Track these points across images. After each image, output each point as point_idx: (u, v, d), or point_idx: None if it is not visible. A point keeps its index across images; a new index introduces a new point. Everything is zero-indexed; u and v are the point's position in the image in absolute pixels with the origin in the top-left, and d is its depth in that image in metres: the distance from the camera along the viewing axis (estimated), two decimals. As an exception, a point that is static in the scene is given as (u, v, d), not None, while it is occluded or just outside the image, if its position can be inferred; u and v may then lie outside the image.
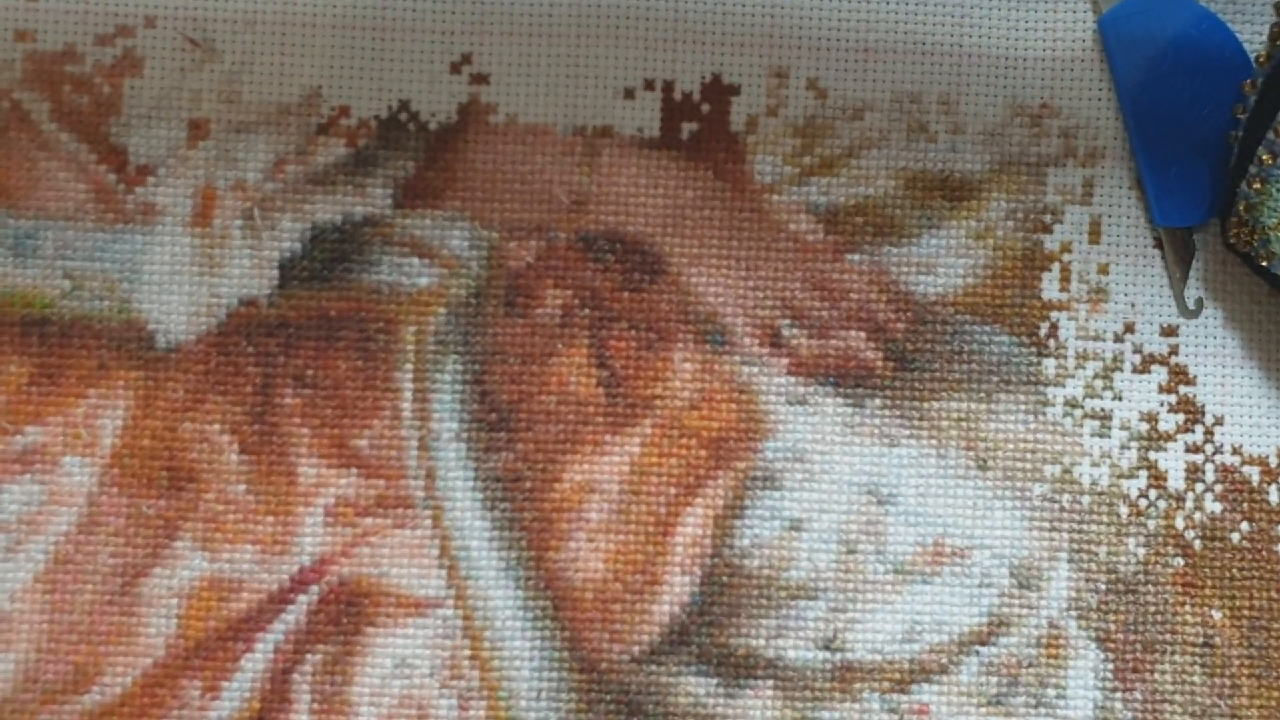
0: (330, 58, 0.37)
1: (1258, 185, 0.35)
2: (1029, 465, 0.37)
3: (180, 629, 0.36)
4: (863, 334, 0.37)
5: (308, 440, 0.36)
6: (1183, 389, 0.37)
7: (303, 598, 0.36)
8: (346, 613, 0.36)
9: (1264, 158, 0.34)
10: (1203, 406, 0.37)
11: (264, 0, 0.37)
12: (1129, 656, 0.36)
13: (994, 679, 0.36)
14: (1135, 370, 0.37)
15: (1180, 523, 0.37)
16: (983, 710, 0.36)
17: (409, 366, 0.37)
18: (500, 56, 0.37)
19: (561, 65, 0.37)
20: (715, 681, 0.36)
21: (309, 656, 0.36)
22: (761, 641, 0.36)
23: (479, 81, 0.37)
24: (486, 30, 0.37)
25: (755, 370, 0.37)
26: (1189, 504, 0.37)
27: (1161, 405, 0.37)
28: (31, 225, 0.37)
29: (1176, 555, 0.37)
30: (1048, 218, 0.38)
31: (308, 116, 0.37)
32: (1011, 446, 0.37)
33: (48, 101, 0.37)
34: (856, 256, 0.37)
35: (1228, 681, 0.36)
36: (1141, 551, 0.37)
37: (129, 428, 0.36)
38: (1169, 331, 0.38)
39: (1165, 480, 0.37)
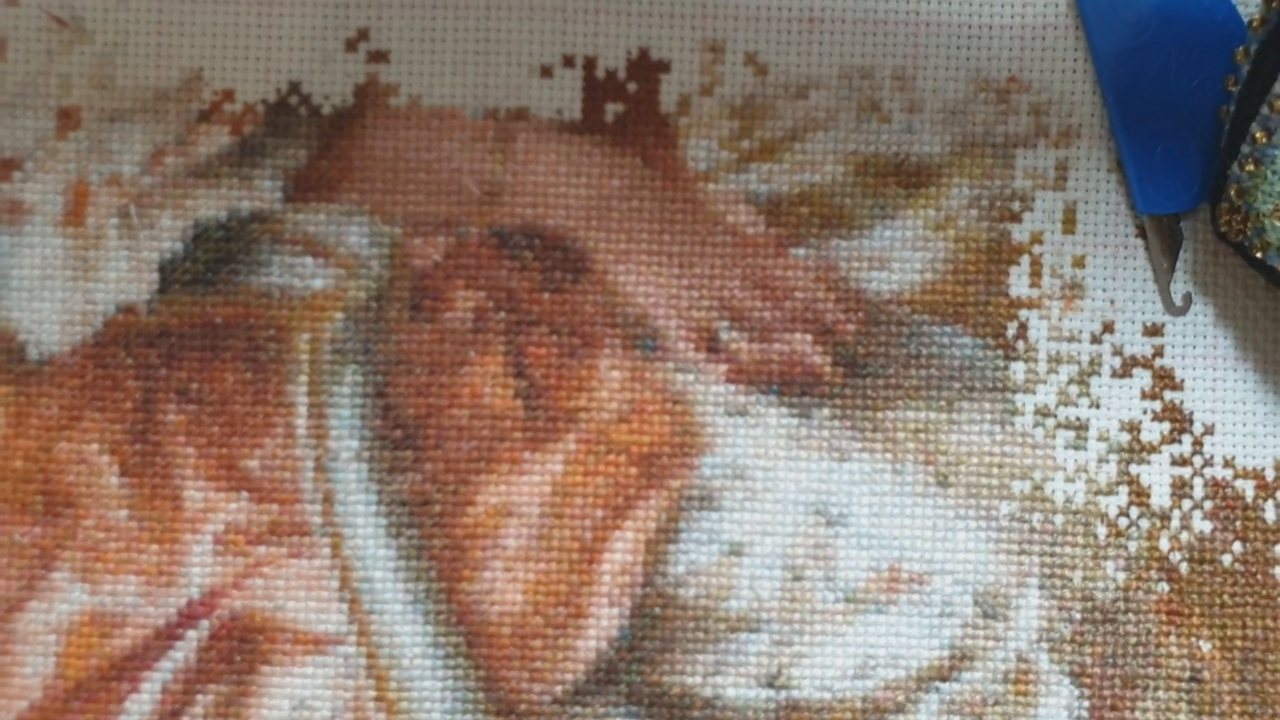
0: (212, 36, 0.35)
1: (1251, 167, 0.32)
2: (995, 481, 0.35)
3: (59, 668, 0.34)
4: (809, 337, 0.35)
5: (194, 461, 0.34)
6: (1168, 395, 0.35)
7: (192, 633, 0.34)
8: (240, 650, 0.34)
9: (1258, 135, 0.32)
10: (1191, 414, 0.35)
11: (138, -28, 0.35)
12: (1107, 693, 0.34)
13: (956, 719, 0.34)
14: (1115, 374, 0.35)
15: (1165, 544, 0.35)
16: None
17: (303, 379, 0.35)
18: (401, 31, 0.35)
19: (470, 40, 0.35)
20: None
21: (200, 698, 0.34)
22: (698, 679, 0.34)
23: (377, 60, 0.35)
24: (385, 2, 0.35)
25: (690, 379, 0.35)
26: (1175, 523, 0.35)
27: (1144, 413, 0.35)
28: None
29: (1160, 580, 0.35)
30: (1016, 205, 0.35)
31: (188, 102, 0.35)
32: (976, 460, 0.35)
33: None
34: (802, 251, 0.35)
35: (1218, 718, 0.34)
36: (1121, 576, 0.35)
37: None
38: (1153, 331, 0.35)
39: (1148, 497, 0.35)
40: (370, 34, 0.35)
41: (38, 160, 0.35)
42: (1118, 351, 0.35)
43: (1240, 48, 0.33)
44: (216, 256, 0.35)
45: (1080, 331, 0.35)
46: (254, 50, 0.35)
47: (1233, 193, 0.32)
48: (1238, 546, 0.34)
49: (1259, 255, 0.32)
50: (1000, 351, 0.35)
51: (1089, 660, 0.34)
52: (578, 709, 0.34)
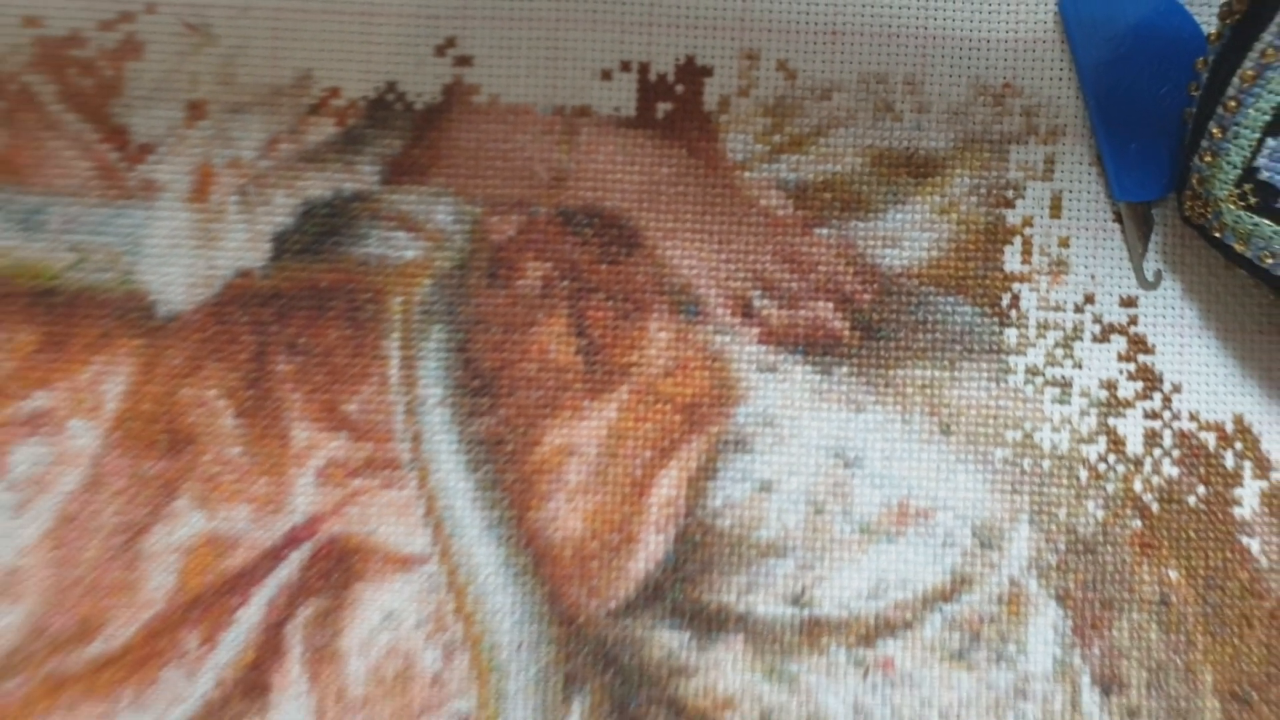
0: (321, 41, 0.38)
1: (1209, 158, 0.35)
2: (991, 430, 0.38)
3: (179, 583, 0.37)
4: (830, 305, 0.38)
5: (300, 405, 0.38)
6: (1141, 358, 0.38)
7: (295, 554, 0.37)
8: (337, 568, 0.37)
9: (1214, 132, 0.35)
10: (1161, 374, 0.38)
11: (259, -14, 0.39)
12: (1087, 614, 0.37)
13: (957, 634, 0.37)
14: (1095, 339, 0.38)
15: (1138, 486, 0.38)
16: (946, 664, 0.37)
17: (396, 335, 0.38)
18: (483, 39, 0.39)
19: (541, 48, 0.39)
20: (688, 635, 0.37)
21: (301, 610, 0.37)
22: (732, 597, 0.37)
23: (463, 63, 0.39)
24: (470, 14, 0.39)
25: (727, 339, 0.38)
26: (1147, 468, 0.38)
27: (1120, 373, 0.38)
28: (39, 201, 0.38)
29: (1134, 517, 0.38)
30: (1010, 193, 0.39)
31: (299, 97, 0.39)
32: (974, 412, 0.38)
33: (54, 84, 0.38)
34: (825, 231, 0.39)
35: (1183, 638, 0.37)
36: (1100, 513, 0.38)
37: (131, 393, 0.38)
38: (1128, 302, 0.39)
39: (1124, 445, 0.38)
40: (457, 41, 0.39)
41: (169, 145, 0.38)
42: (1097, 320, 0.38)
43: (1201, 59, 0.37)
44: (322, 230, 0.38)
45: (1065, 302, 0.38)
46: (357, 54, 0.39)
47: (1195, 181, 0.36)
48: (1201, 489, 0.38)
49: (1218, 235, 0.36)
50: (996, 319, 0.38)
51: (1072, 585, 0.37)
52: (628, 621, 0.37)
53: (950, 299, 0.38)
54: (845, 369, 0.38)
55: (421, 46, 0.39)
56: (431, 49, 0.39)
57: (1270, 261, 0.35)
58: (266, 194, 0.38)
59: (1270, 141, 0.34)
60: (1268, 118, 0.34)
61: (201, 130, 0.38)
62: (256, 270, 0.38)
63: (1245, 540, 0.38)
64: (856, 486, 0.38)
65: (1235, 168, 0.35)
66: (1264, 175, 0.35)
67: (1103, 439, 0.38)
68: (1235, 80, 0.35)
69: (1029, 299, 0.38)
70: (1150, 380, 0.38)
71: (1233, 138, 0.35)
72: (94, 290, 0.38)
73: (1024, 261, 0.38)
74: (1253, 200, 0.35)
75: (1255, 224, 0.35)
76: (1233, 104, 0.35)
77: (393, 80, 0.39)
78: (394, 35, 0.39)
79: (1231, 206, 0.35)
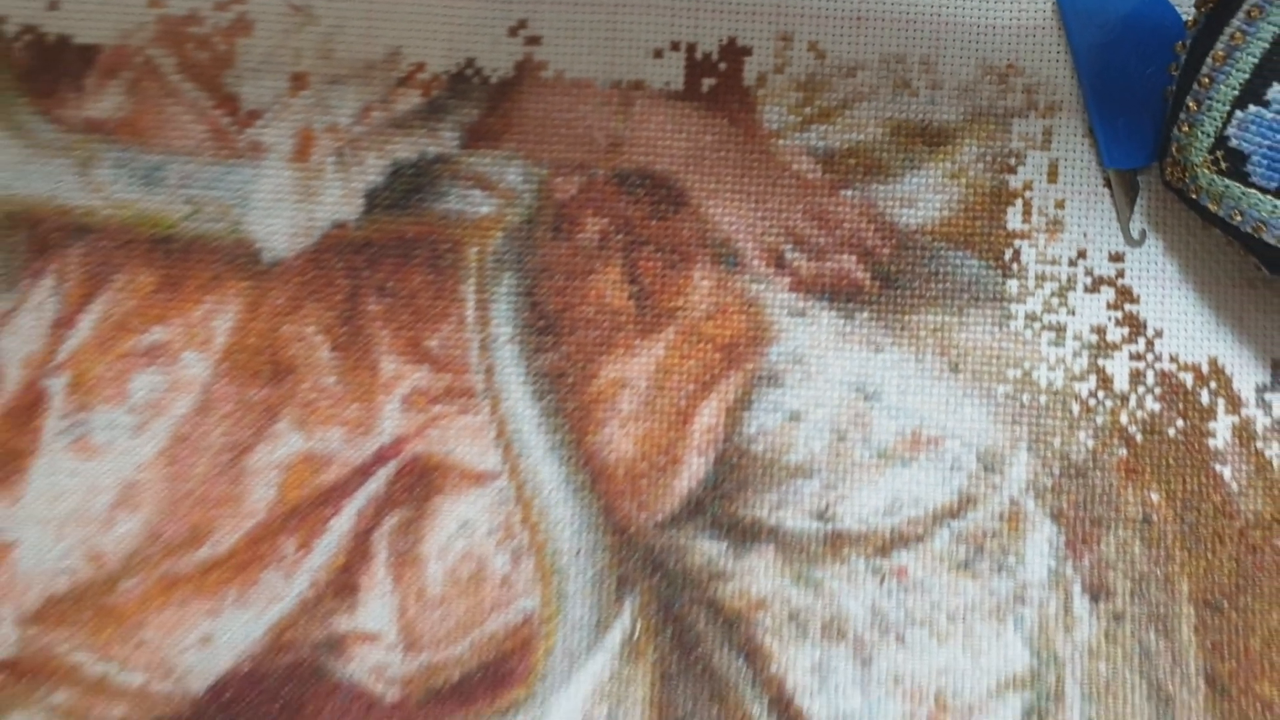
0: (409, 21, 0.44)
1: (1186, 129, 0.41)
2: (994, 369, 0.43)
3: (279, 496, 0.42)
4: (853, 257, 0.43)
5: (387, 340, 0.43)
6: (1128, 306, 0.43)
7: (382, 470, 0.42)
8: (418, 483, 0.42)
9: (1190, 105, 0.40)
10: (1145, 321, 0.43)
11: (355, -27, 0.44)
12: (1078, 530, 0.42)
13: (963, 547, 0.42)
14: (1087, 290, 0.43)
15: (1124, 419, 0.43)
16: (953, 573, 0.42)
17: (472, 280, 0.43)
18: (551, 21, 0.44)
19: (602, 29, 0.44)
20: (725, 545, 0.42)
21: (386, 519, 0.42)
22: (764, 512, 0.42)
23: (532, 42, 0.44)
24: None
25: (762, 287, 0.43)
26: (1132, 403, 0.43)
27: (1109, 320, 0.43)
28: (159, 160, 0.43)
29: (1120, 446, 0.43)
30: (1012, 160, 0.44)
31: (390, 71, 0.44)
32: (979, 353, 0.43)
33: (174, 57, 0.44)
34: (849, 192, 0.44)
35: (1163, 552, 0.42)
36: (1090, 442, 0.42)
37: (238, 328, 0.43)
38: (1116, 258, 0.43)
39: (1112, 383, 0.43)
40: (528, 23, 0.44)
41: (274, 112, 0.44)
42: (1089, 272, 0.43)
43: (1180, 42, 0.41)
44: (409, 187, 0.43)
45: (1060, 257, 0.43)
46: (441, 33, 0.44)
47: (1174, 150, 0.41)
48: (1180, 422, 0.43)
49: (1195, 197, 0.41)
50: (999, 271, 0.43)
51: (1065, 505, 0.42)
52: (673, 531, 0.42)
53: (959, 253, 0.43)
54: (866, 314, 0.43)
55: (497, 27, 0.44)
56: (505, 29, 0.44)
57: (1239, 219, 0.40)
58: (360, 155, 0.44)
59: (1238, 113, 0.40)
60: (1236, 92, 0.39)
61: (303, 99, 0.44)
62: (350, 222, 0.43)
63: (1218, 468, 0.42)
64: (875, 417, 0.43)
65: (1209, 137, 0.40)
66: (1233, 143, 0.40)
67: (1093, 377, 0.43)
68: (1209, 60, 0.40)
69: (1028, 254, 0.43)
70: (1135, 326, 0.43)
71: (1206, 110, 0.40)
72: (206, 238, 0.43)
73: (1024, 221, 0.43)
74: (1224, 165, 0.40)
75: (1226, 186, 0.40)
76: (1206, 81, 0.40)
77: (471, 57, 0.44)
78: (473, 17, 0.44)
79: (1206, 171, 0.40)
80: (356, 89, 0.44)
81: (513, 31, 0.44)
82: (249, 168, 0.43)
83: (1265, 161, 0.39)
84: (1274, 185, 0.39)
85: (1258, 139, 0.39)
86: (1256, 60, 0.39)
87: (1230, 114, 0.40)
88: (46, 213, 0.43)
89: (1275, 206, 0.39)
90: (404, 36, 0.44)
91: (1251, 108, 0.39)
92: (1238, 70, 0.39)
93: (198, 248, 0.43)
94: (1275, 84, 0.39)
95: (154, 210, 0.43)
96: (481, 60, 0.44)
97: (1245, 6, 0.39)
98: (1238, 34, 0.39)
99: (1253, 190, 0.39)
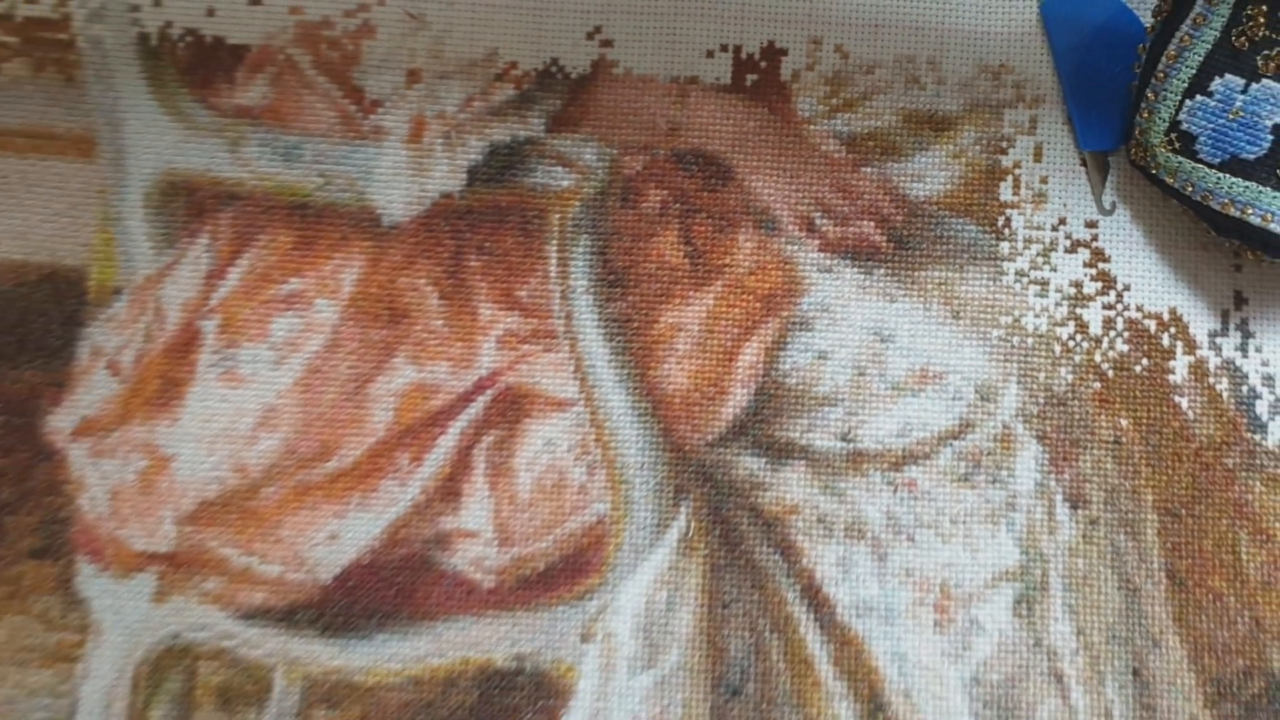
0: (505, 27, 0.51)
1: (1146, 115, 0.48)
2: (989, 316, 0.50)
3: (395, 418, 0.49)
4: (872, 224, 0.50)
5: (485, 290, 0.50)
6: (1100, 265, 0.50)
7: (480, 398, 0.49)
8: (510, 408, 0.49)
9: (1150, 96, 0.48)
10: (1115, 277, 0.50)
11: (460, -12, 0.51)
12: (1060, 450, 0.49)
13: (963, 463, 0.49)
14: (1066, 251, 0.50)
15: (1098, 358, 0.49)
16: (954, 484, 0.49)
17: (554, 242, 0.50)
18: (621, 27, 0.51)
19: (663, 34, 0.51)
20: (764, 461, 0.49)
21: (484, 438, 0.49)
22: (797, 434, 0.49)
23: (606, 45, 0.51)
24: (612, 9, 0.51)
25: (795, 248, 0.50)
26: (1104, 345, 0.49)
27: (1085, 275, 0.50)
28: (297, 140, 0.51)
29: (1095, 380, 0.49)
30: (1004, 143, 0.51)
31: (489, 68, 0.51)
32: (977, 303, 0.50)
33: (310, 55, 0.51)
34: (868, 169, 0.51)
35: (1131, 469, 0.49)
36: (1070, 377, 0.49)
37: (362, 280, 0.50)
38: (1091, 225, 0.50)
39: (1087, 328, 0.49)
40: (602, 29, 0.51)
41: (393, 101, 0.50)
42: (1068, 236, 0.50)
43: (1141, 45, 0.49)
44: (503, 164, 0.50)
45: (1044, 224, 0.50)
46: (531, 37, 0.51)
47: (1138, 134, 0.48)
48: (1144, 361, 0.49)
49: (1155, 173, 0.48)
50: (993, 235, 0.50)
51: (1048, 429, 0.49)
52: (721, 450, 0.49)
53: (960, 220, 0.50)
54: (882, 271, 0.50)
55: (576, 32, 0.51)
56: (584, 34, 0.51)
57: (1190, 190, 0.48)
58: (463, 138, 0.51)
59: (1188, 102, 0.47)
60: (1185, 85, 0.47)
61: (417, 91, 0.51)
62: (455, 193, 0.50)
63: (1177, 399, 0.49)
64: (889, 356, 0.49)
65: (1165, 122, 0.48)
66: (1185, 126, 0.48)
67: (1071, 323, 0.49)
68: (1163, 59, 0.48)
69: (1018, 221, 0.50)
70: (1107, 281, 0.50)
71: (1162, 100, 0.48)
72: (336, 205, 0.51)
73: (1014, 193, 0.50)
74: (1177, 145, 0.48)
75: (1179, 163, 0.48)
76: (1162, 76, 0.48)
77: (555, 56, 0.51)
78: (557, 24, 0.51)
79: (1163, 150, 0.48)
80: (461, 83, 0.51)
81: (590, 36, 0.51)
82: (371, 147, 0.51)
83: (1210, 141, 0.47)
84: (1217, 161, 0.47)
85: (1204, 123, 0.47)
86: (1201, 58, 0.47)
87: (1181, 103, 0.48)
88: (202, 183, 0.51)
89: (1219, 179, 0.47)
90: (501, 40, 0.51)
91: (1198, 97, 0.47)
92: (1187, 67, 0.48)
93: (328, 213, 0.51)
94: (1217, 78, 0.47)
95: (292, 182, 0.51)
96: (564, 59, 0.51)
97: (1192, 14, 0.47)
98: (1186, 37, 0.47)
99: (1200, 165, 0.47)
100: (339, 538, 0.49)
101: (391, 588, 0.49)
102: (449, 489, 0.50)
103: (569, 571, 0.49)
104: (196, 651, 0.49)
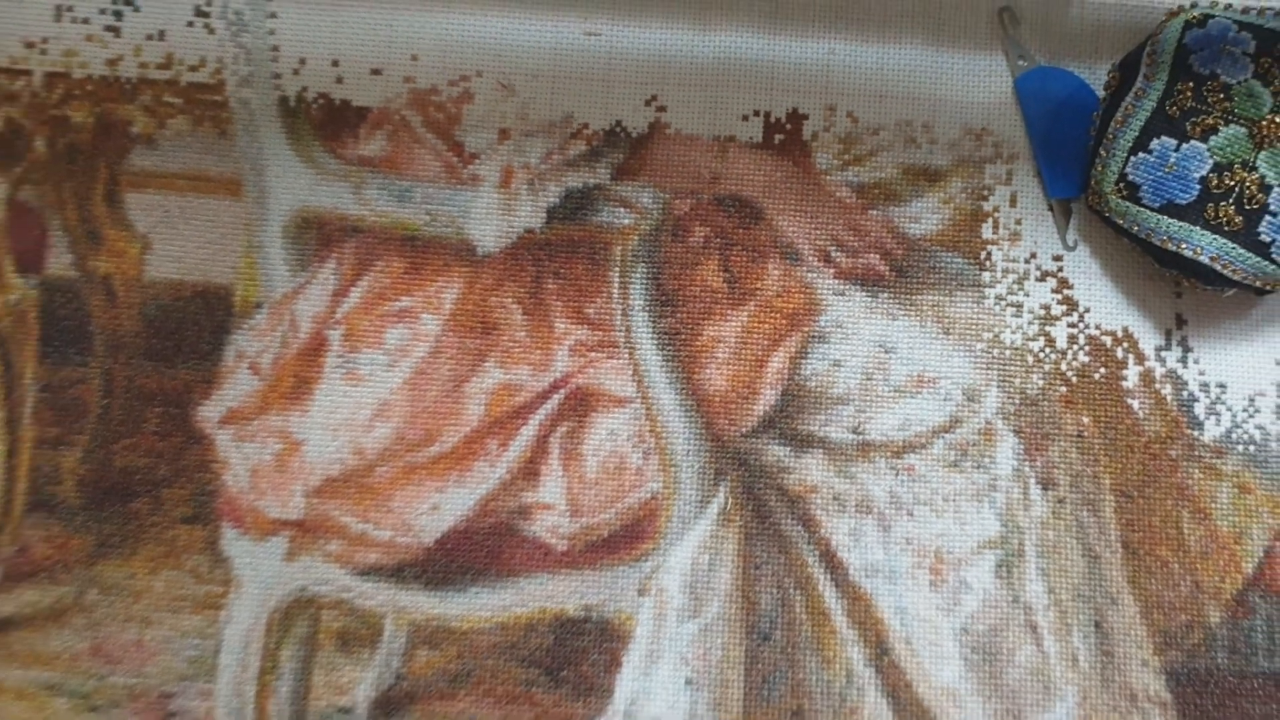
0: (578, 95, 0.60)
1: (1099, 168, 0.58)
2: (974, 332, 0.58)
3: (486, 411, 0.57)
4: (877, 256, 0.59)
5: (560, 308, 0.58)
6: (1065, 291, 0.58)
7: (555, 396, 0.57)
8: (580, 405, 0.57)
9: (1102, 153, 0.58)
10: (1078, 301, 0.58)
11: (543, 62, 0.60)
12: (1033, 441, 0.56)
13: (953, 452, 0.57)
14: (1037, 279, 0.58)
15: (1064, 367, 0.57)
16: (946, 469, 0.57)
17: (616, 269, 0.58)
18: (673, 95, 0.60)
19: (707, 101, 0.60)
20: (789, 449, 0.57)
21: (558, 428, 0.57)
22: (816, 428, 0.57)
23: (660, 110, 0.60)
24: (666, 81, 0.60)
25: (815, 275, 0.59)
26: (1069, 356, 0.57)
27: (1053, 300, 0.58)
28: (408, 185, 0.60)
29: (1061, 385, 0.57)
30: (985, 192, 0.59)
31: (565, 128, 0.59)
32: (963, 322, 0.58)
33: (420, 116, 0.60)
34: (875, 211, 0.59)
35: (1092, 458, 0.56)
36: (1041, 382, 0.57)
37: (460, 298, 0.59)
38: (1057, 258, 0.59)
39: (1055, 342, 0.57)
40: (657, 97, 0.59)
41: (487, 155, 0.59)
42: (1039, 268, 0.58)
43: (1095, 112, 0.58)
44: (576, 206, 0.58)
45: (1019, 257, 0.58)
46: (600, 103, 0.59)
47: (1094, 183, 0.57)
48: (1102, 370, 0.57)
49: (1108, 216, 0.57)
50: (977, 266, 0.58)
51: (1023, 424, 0.56)
52: (753, 440, 0.57)
53: (949, 254, 0.58)
54: (886, 294, 0.58)
55: (637, 99, 0.59)
56: (643, 101, 0.59)
57: (1136, 229, 0.57)
58: (544, 184, 0.59)
59: (1133, 158, 0.57)
60: (1130, 144, 0.57)
61: (506, 146, 0.59)
62: (536, 229, 0.58)
63: (1129, 401, 0.57)
64: (892, 364, 0.57)
65: (1115, 174, 0.57)
66: (1130, 177, 0.57)
67: (1041, 339, 0.57)
68: (1113, 124, 0.57)
69: (997, 255, 0.58)
70: (1071, 304, 0.58)
71: (1112, 156, 0.57)
72: (440, 238, 0.59)
73: (994, 232, 0.59)
74: (1125, 193, 0.57)
75: (1127, 207, 0.57)
76: (1111, 137, 0.57)
77: (619, 119, 0.59)
78: (621, 93, 0.60)
79: (1114, 197, 0.57)
80: (543, 140, 0.59)
81: (647, 102, 0.60)
82: (469, 191, 0.59)
83: (1151, 189, 0.57)
84: (1157, 205, 0.57)
85: (1145, 175, 0.57)
86: (1142, 124, 0.57)
87: (1128, 159, 0.58)
88: (330, 218, 0.59)
89: (1159, 220, 0.57)
90: (575, 105, 0.60)
91: (1141, 154, 0.57)
92: (1131, 130, 0.58)
93: (434, 244, 0.58)
94: (1155, 139, 0.57)
95: (404, 218, 0.59)
96: (626, 121, 0.60)
97: (1134, 88, 0.58)
98: (1130, 107, 0.58)
99: (1144, 209, 0.56)
100: (439, 509, 0.56)
101: (482, 550, 0.56)
102: (529, 469, 0.57)
103: (628, 538, 0.57)
104: (320, 602, 0.57)
